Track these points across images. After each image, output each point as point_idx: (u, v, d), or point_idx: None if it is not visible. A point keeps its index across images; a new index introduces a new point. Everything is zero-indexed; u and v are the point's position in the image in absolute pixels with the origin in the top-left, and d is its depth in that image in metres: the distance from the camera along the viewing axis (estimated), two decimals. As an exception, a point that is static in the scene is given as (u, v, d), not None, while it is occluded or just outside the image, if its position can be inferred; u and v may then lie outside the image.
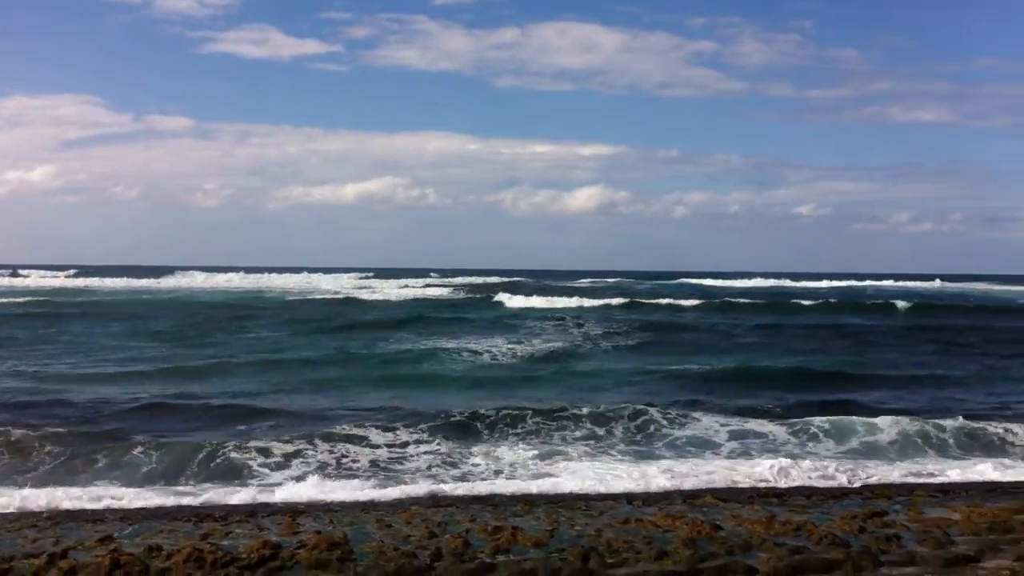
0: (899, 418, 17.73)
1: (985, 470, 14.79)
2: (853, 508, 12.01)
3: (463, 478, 14.13)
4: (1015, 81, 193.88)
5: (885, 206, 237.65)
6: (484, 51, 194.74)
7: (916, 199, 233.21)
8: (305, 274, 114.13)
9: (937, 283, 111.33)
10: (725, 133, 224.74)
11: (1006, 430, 17.29)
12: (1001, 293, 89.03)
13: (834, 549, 10.19)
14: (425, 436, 16.40)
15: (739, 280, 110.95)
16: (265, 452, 15.00)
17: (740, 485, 13.81)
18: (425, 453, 15.45)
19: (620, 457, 15.63)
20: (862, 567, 9.69)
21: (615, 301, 58.57)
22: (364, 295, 67.01)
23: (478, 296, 63.98)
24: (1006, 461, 15.55)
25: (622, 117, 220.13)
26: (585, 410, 18.43)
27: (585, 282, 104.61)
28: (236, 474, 14.19)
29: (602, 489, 13.37)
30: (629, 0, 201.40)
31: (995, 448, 16.63)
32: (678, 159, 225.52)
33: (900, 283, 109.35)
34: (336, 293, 70.33)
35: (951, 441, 16.84)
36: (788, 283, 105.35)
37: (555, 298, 59.58)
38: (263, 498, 12.71)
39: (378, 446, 15.72)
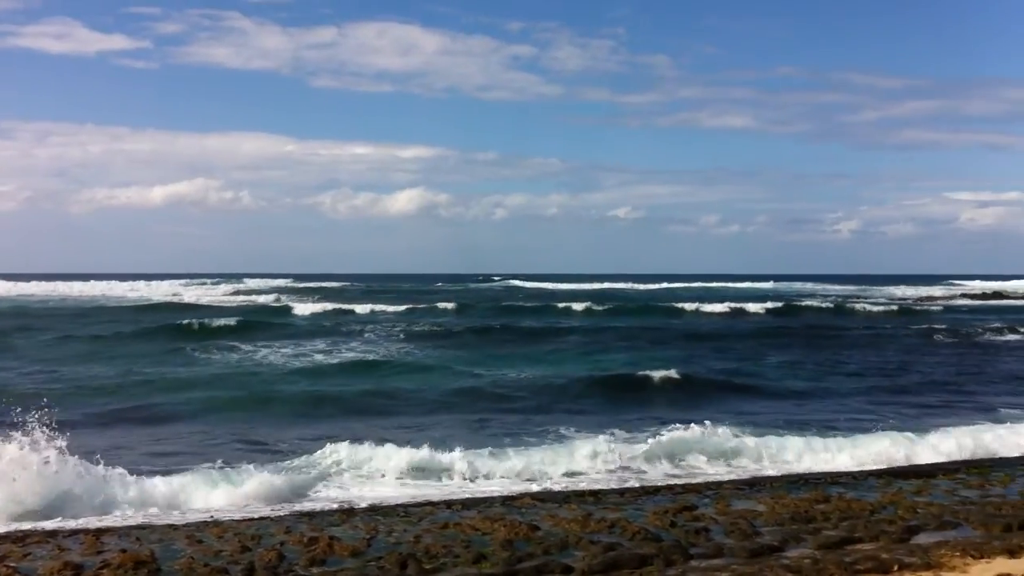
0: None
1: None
2: (665, 503, 12.73)
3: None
4: (812, 89, 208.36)
5: (695, 209, 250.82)
6: (300, 50, 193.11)
7: (724, 202, 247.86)
8: (110, 281, 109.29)
9: (770, 284, 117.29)
10: (544, 136, 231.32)
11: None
12: (821, 291, 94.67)
13: (647, 544, 10.80)
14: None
15: (565, 283, 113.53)
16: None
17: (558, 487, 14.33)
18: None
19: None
20: (673, 560, 10.33)
21: (442, 305, 59.09)
22: (171, 302, 65.01)
23: (296, 301, 63.07)
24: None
25: (442, 119, 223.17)
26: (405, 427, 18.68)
27: (408, 285, 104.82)
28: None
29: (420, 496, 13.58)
30: (448, 2, 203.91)
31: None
32: (498, 162, 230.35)
33: (730, 284, 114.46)
34: (140, 301, 67.89)
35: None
36: (620, 285, 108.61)
37: (378, 305, 59.49)
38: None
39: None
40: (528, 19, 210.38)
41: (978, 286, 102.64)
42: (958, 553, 10.50)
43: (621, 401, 22.67)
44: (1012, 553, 10.51)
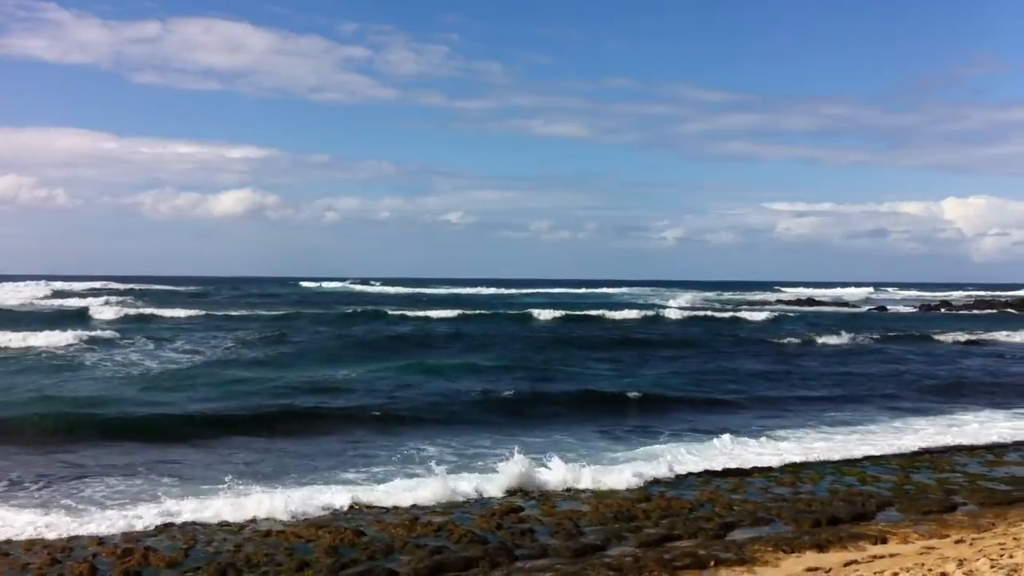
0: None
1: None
2: (492, 506, 13.08)
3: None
4: (642, 100, 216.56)
5: (527, 214, 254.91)
6: (122, 45, 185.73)
7: (555, 208, 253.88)
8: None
9: (583, 289, 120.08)
10: (377, 140, 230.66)
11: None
12: (647, 295, 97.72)
13: (473, 547, 11.12)
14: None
15: (399, 287, 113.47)
16: None
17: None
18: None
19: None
20: (498, 562, 10.68)
21: (269, 312, 57.92)
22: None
23: (106, 305, 60.56)
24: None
25: (272, 120, 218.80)
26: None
27: (233, 289, 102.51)
28: None
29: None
30: (279, 1, 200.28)
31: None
32: (329, 164, 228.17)
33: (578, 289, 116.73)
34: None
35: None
36: (460, 290, 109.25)
37: (199, 309, 58.00)
38: None
39: None
40: (362, 21, 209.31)
41: (798, 292, 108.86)
42: (770, 548, 11.23)
43: (464, 418, 21.36)
44: (821, 547, 11.30)
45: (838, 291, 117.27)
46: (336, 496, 13.31)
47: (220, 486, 13.60)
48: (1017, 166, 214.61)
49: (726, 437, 18.26)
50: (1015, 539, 11.17)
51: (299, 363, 31.30)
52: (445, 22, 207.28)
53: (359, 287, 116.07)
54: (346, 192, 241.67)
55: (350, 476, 15.00)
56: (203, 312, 55.03)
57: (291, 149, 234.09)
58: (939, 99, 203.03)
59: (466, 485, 14.11)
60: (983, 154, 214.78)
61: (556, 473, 14.78)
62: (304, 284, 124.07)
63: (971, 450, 18.15)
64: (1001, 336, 46.77)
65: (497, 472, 14.66)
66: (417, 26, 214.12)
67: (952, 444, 18.80)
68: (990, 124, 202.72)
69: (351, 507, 13.00)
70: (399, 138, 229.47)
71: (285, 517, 12.32)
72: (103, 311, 54.72)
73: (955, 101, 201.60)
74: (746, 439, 18.52)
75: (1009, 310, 77.78)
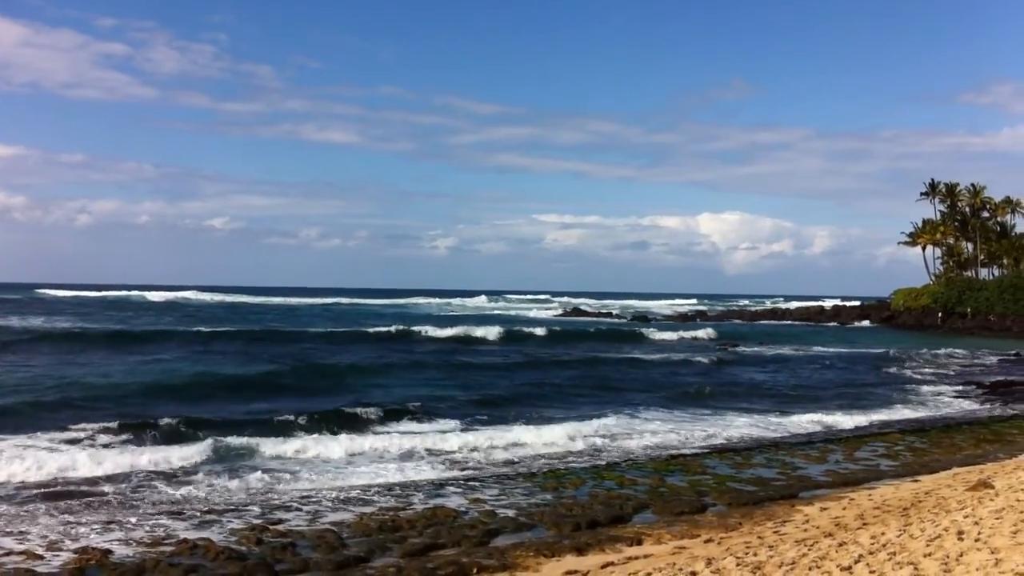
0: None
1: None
2: (253, 520, 12.81)
3: None
4: (414, 110, 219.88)
5: (297, 221, 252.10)
6: None
7: (326, 216, 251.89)
8: None
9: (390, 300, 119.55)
10: (137, 140, 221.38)
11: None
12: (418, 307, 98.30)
13: (231, 564, 10.86)
14: None
15: (157, 292, 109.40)
16: None
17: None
18: None
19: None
20: (256, 578, 10.50)
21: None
22: None
23: None
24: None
25: (21, 116, 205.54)
26: None
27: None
28: None
29: None
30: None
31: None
32: (84, 164, 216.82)
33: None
34: None
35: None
36: (241, 298, 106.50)
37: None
38: None
39: None
40: (121, 16, 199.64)
41: (565, 302, 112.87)
42: (532, 553, 11.56)
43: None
44: (580, 551, 11.72)
45: (607, 301, 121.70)
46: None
47: None
48: (764, 184, 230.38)
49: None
50: (760, 538, 11.94)
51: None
52: (212, 22, 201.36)
53: (113, 293, 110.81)
54: (102, 194, 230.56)
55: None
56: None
57: (41, 148, 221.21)
58: (696, 120, 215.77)
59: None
60: (735, 172, 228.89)
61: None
62: (45, 292, 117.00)
63: (721, 452, 19.20)
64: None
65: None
66: (181, 24, 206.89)
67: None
68: (741, 145, 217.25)
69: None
70: (161, 139, 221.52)
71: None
72: None
73: (710, 122, 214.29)
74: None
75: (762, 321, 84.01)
